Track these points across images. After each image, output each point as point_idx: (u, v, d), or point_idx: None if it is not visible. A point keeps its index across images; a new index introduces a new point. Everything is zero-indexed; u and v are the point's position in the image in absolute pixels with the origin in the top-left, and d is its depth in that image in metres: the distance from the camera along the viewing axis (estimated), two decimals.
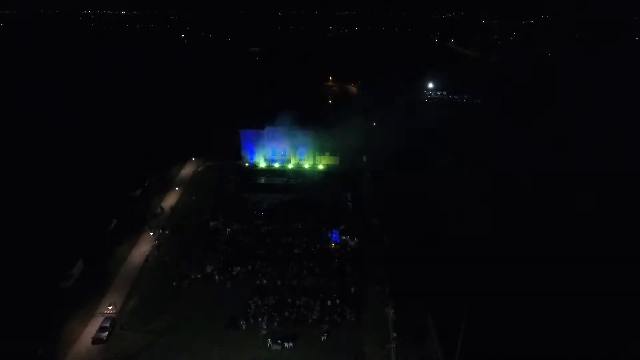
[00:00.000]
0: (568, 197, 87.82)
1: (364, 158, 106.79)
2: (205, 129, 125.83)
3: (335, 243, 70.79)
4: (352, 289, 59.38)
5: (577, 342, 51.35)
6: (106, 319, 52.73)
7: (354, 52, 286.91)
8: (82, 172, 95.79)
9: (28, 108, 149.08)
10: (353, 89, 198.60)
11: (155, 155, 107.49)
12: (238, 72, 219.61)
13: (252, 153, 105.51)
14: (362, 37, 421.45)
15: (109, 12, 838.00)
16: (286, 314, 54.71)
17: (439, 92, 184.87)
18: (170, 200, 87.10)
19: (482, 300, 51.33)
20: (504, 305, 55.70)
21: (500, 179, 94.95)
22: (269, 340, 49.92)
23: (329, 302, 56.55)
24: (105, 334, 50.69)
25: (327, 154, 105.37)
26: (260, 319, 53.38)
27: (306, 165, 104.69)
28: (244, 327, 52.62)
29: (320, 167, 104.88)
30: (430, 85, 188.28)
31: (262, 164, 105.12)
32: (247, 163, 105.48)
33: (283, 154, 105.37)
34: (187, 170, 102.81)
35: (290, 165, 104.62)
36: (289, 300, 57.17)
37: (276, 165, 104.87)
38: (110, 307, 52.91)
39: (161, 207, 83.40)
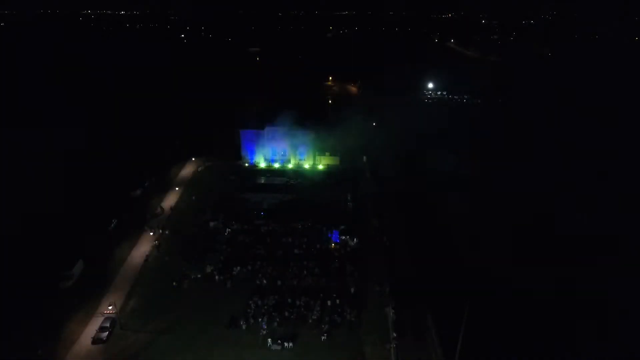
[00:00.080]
0: (568, 196, 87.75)
1: (364, 158, 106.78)
2: (205, 129, 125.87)
3: (335, 243, 70.77)
4: (352, 289, 59.39)
5: (577, 342, 51.47)
6: (106, 319, 52.80)
7: (354, 52, 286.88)
8: (82, 172, 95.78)
9: (28, 108, 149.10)
10: (353, 89, 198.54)
11: (155, 155, 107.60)
12: (238, 72, 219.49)
13: (252, 153, 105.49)
14: (362, 37, 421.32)
15: (108, 12, 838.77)
16: (286, 314, 54.75)
17: (439, 92, 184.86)
18: (170, 200, 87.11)
19: (482, 301, 51.37)
20: (504, 306, 55.78)
21: (500, 179, 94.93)
22: (269, 340, 49.97)
23: (328, 302, 56.58)
24: (105, 334, 50.77)
25: (327, 154, 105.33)
26: (260, 319, 53.40)
27: (306, 165, 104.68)
28: (244, 327, 52.66)
29: (320, 167, 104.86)
30: (430, 85, 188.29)
31: (262, 164, 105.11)
32: (247, 163, 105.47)
33: (283, 154, 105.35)
34: (187, 170, 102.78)
35: (290, 165, 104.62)
36: (289, 300, 57.20)
37: (276, 165, 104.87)
38: (110, 307, 52.87)
39: (161, 207, 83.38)
